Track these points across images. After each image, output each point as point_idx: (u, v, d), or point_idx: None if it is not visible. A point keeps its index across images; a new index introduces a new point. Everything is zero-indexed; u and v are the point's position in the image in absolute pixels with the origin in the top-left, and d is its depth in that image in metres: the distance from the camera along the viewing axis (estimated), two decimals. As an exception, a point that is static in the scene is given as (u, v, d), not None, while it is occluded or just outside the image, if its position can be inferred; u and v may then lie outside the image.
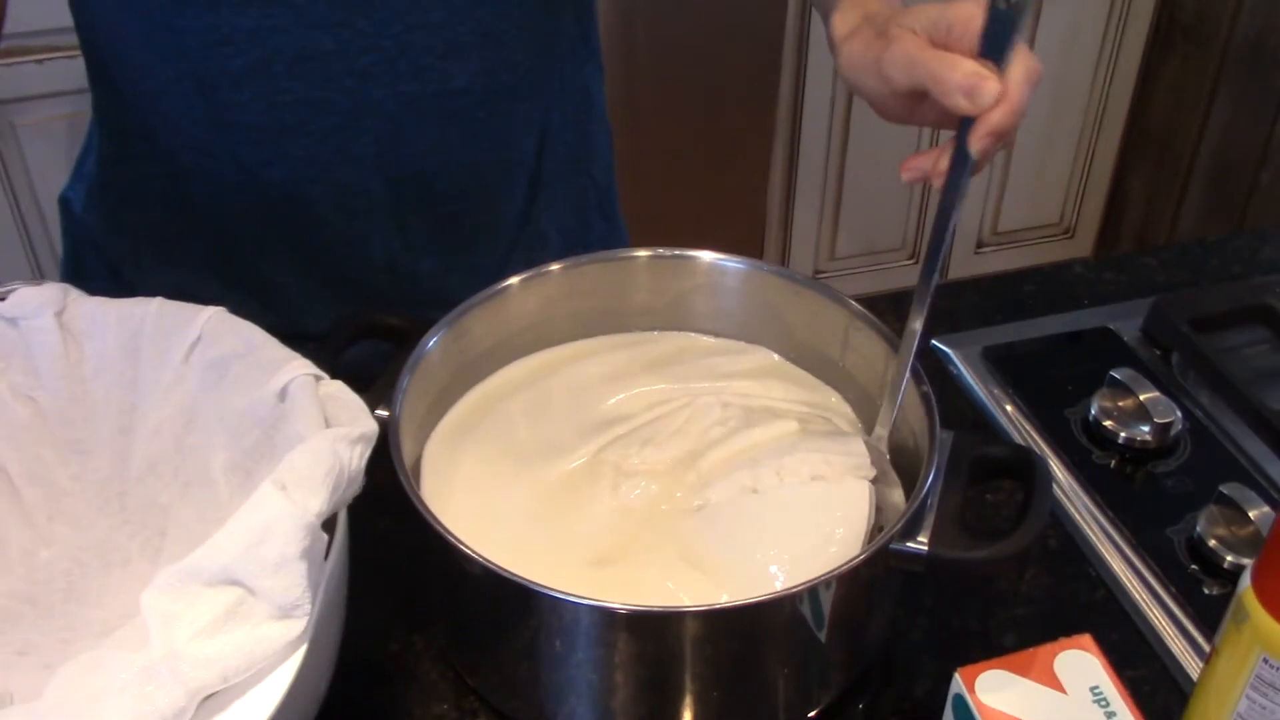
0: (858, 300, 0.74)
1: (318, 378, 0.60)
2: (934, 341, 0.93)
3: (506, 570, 0.58)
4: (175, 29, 0.76)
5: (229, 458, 0.63)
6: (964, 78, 0.61)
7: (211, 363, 0.63)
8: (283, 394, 0.59)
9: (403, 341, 0.71)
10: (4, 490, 0.67)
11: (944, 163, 0.66)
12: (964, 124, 0.63)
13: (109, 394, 0.66)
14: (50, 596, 0.66)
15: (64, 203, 0.94)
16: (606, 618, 0.59)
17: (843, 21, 0.69)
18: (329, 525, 0.54)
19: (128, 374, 0.66)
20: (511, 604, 0.60)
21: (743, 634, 0.61)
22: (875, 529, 0.65)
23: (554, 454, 0.72)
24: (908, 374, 0.68)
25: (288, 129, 0.80)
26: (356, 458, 0.54)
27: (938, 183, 0.67)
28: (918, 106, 0.66)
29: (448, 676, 0.68)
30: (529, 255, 0.93)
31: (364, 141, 0.81)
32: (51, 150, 1.67)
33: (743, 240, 2.14)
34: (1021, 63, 0.62)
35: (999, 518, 0.79)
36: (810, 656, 0.63)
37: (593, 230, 0.99)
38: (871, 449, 0.68)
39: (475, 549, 0.58)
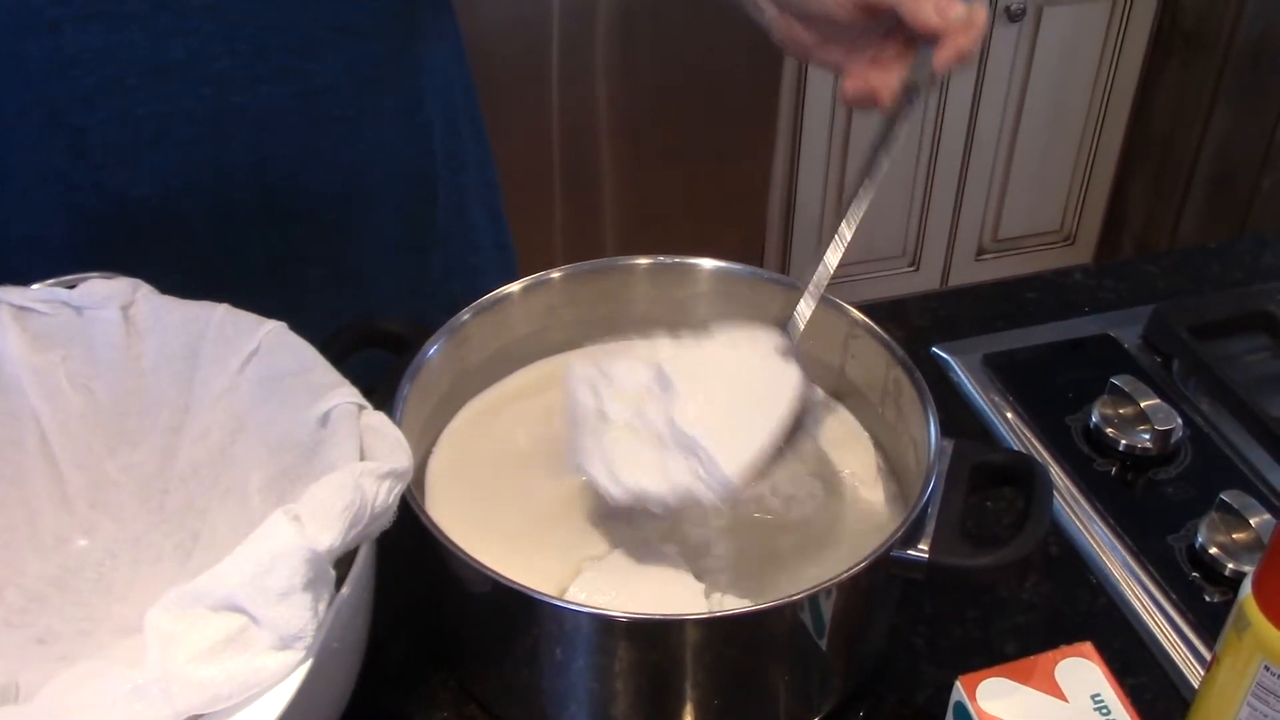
0: (858, 307, 0.74)
1: (360, 407, 0.60)
2: (934, 349, 0.93)
3: (508, 578, 0.58)
4: (18, 56, 0.73)
5: (266, 475, 0.63)
6: None
7: (264, 378, 0.64)
8: (324, 420, 0.59)
9: (402, 349, 0.71)
10: (49, 475, 0.67)
11: (893, 78, 0.68)
12: (921, 51, 0.67)
13: (164, 391, 0.67)
14: (79, 584, 0.66)
15: None
16: (606, 625, 0.59)
17: None
18: (350, 557, 0.55)
19: (184, 374, 0.66)
20: (513, 612, 0.60)
21: (743, 642, 0.61)
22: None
23: (560, 468, 0.72)
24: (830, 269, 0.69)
25: (149, 145, 0.77)
26: (384, 493, 0.54)
27: (887, 98, 0.68)
28: (860, 25, 0.68)
29: (449, 685, 0.68)
30: (420, 258, 0.91)
31: (231, 150, 0.79)
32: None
33: (743, 246, 2.14)
34: (980, 6, 0.66)
35: (1000, 525, 0.79)
36: (811, 664, 0.63)
37: (478, 229, 0.97)
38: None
39: (477, 557, 0.58)
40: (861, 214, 0.69)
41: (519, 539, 0.68)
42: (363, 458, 0.57)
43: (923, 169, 2.21)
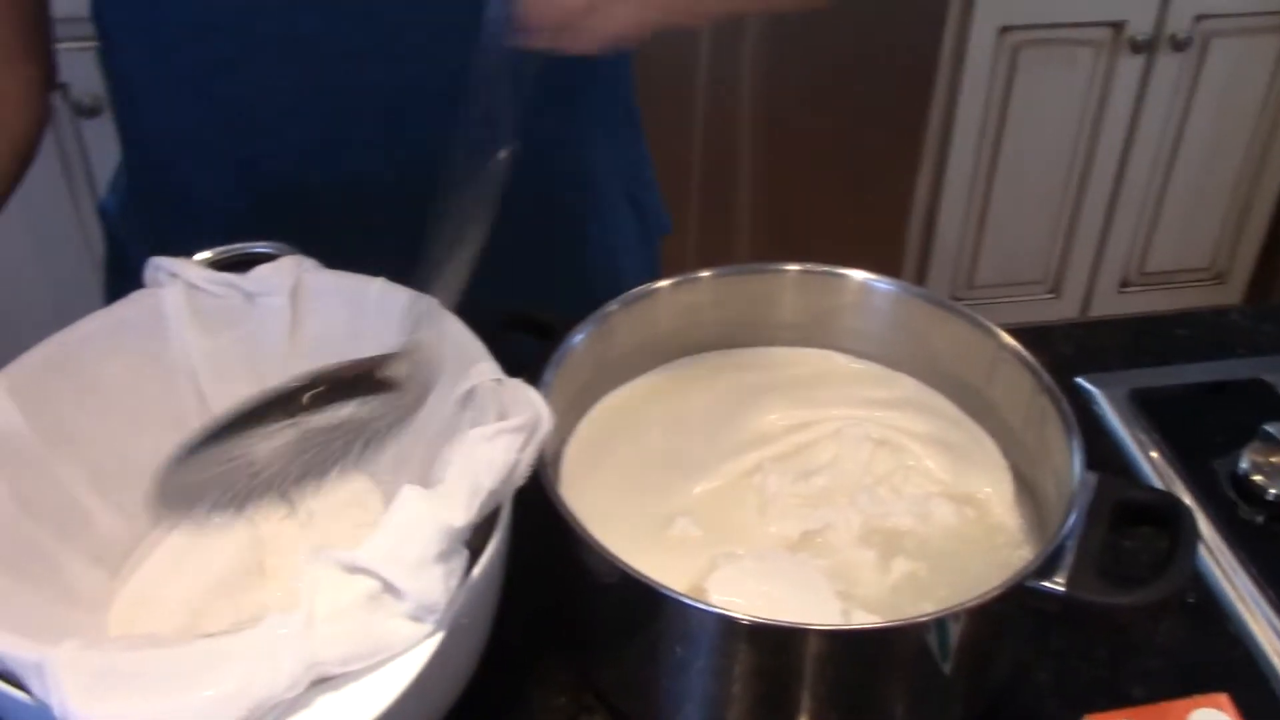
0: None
1: (499, 381, 0.61)
2: (1079, 379, 0.91)
3: (636, 570, 0.58)
4: (162, 22, 0.75)
5: (409, 450, 0.65)
6: None
7: None
8: (468, 396, 0.61)
9: (547, 337, 0.72)
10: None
11: None
12: None
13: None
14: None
15: (101, 212, 0.95)
16: (730, 627, 0.59)
17: None
18: (484, 539, 0.56)
19: (348, 354, 0.67)
20: (638, 605, 0.61)
21: (866, 658, 0.60)
22: None
23: (693, 468, 0.72)
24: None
25: (283, 117, 0.78)
26: (515, 449, 0.55)
27: None
28: None
29: (568, 670, 0.69)
30: (563, 253, 0.91)
31: (364, 126, 0.79)
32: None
33: (880, 261, 2.10)
34: None
35: (1136, 564, 0.76)
36: (932, 688, 0.62)
37: (627, 228, 0.96)
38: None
39: (608, 547, 0.59)
40: None
41: (650, 533, 0.68)
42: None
43: (1071, 194, 2.16)
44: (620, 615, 0.63)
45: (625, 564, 0.58)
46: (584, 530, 0.60)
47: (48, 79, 0.81)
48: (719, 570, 0.64)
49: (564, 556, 0.64)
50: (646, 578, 0.58)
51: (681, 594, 0.59)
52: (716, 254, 2.03)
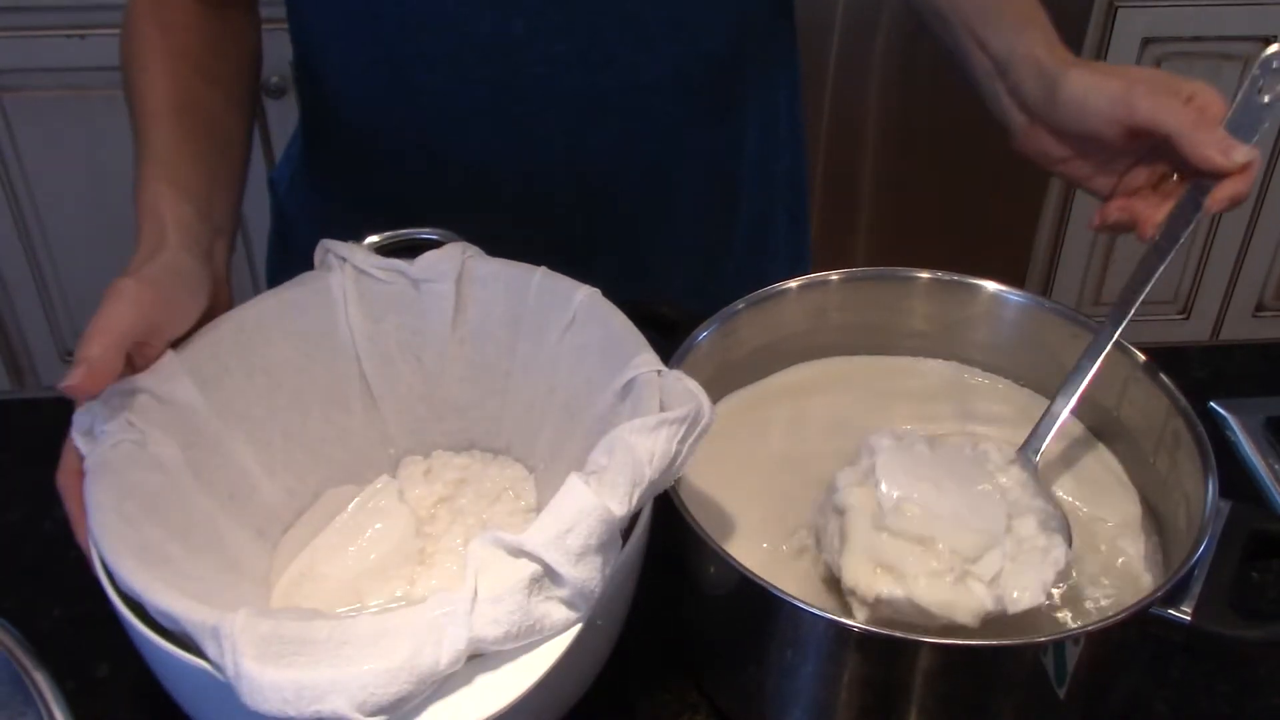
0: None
1: (660, 372, 0.61)
2: (1212, 404, 0.89)
3: (752, 573, 0.58)
4: (373, 15, 0.77)
5: (566, 437, 0.66)
6: (1222, 137, 0.64)
7: (578, 346, 0.66)
8: (627, 388, 0.61)
9: (671, 332, 0.72)
10: (376, 438, 0.71)
11: (1161, 214, 0.67)
12: (1192, 185, 0.67)
13: (489, 361, 0.70)
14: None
15: (271, 184, 0.97)
16: (842, 634, 0.58)
17: (1046, 46, 0.73)
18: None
19: (507, 342, 0.69)
20: (750, 607, 0.61)
21: (978, 675, 0.59)
22: None
23: (811, 473, 0.72)
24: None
25: (477, 113, 0.80)
26: (676, 440, 0.55)
27: (1149, 232, 0.67)
28: (1121, 147, 0.67)
29: (674, 667, 0.69)
30: (713, 260, 0.92)
31: (552, 130, 0.81)
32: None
33: (1004, 271, 2.07)
34: (1255, 148, 0.66)
35: (1264, 599, 0.74)
36: (1045, 712, 0.61)
37: (778, 236, 0.96)
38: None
39: (723, 547, 0.59)
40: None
41: (765, 535, 0.68)
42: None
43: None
44: (731, 615, 0.63)
45: (740, 565, 0.58)
46: (700, 528, 0.60)
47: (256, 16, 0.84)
48: (886, 451, 0.64)
49: (677, 554, 0.64)
50: (760, 579, 0.58)
51: (794, 597, 0.59)
52: (835, 254, 2.01)
